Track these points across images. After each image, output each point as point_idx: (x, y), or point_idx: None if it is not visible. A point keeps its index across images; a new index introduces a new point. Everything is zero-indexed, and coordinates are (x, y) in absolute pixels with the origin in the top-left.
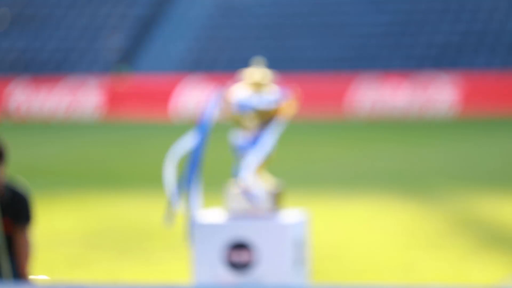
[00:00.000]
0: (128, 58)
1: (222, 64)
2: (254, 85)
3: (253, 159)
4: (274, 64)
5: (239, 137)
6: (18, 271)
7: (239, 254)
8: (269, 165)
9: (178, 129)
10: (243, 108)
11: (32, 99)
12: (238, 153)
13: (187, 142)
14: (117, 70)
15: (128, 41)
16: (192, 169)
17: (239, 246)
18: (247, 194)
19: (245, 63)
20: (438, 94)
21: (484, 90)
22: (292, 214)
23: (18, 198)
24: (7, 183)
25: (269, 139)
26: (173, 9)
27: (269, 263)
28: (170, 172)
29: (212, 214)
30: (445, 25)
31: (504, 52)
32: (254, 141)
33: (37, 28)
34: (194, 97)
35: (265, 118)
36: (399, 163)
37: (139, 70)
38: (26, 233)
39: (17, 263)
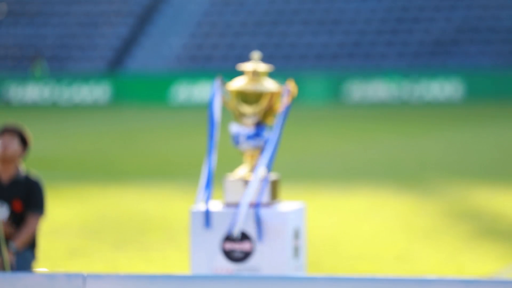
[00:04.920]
0: (124, 53)
1: (217, 60)
2: (250, 79)
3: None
4: (270, 59)
5: (237, 128)
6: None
7: (237, 244)
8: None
9: (177, 121)
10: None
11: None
12: (237, 144)
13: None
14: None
15: (124, 36)
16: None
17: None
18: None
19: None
20: None
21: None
22: (289, 205)
23: (31, 185)
24: (23, 171)
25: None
26: (169, 5)
27: (267, 253)
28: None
29: (210, 204)
30: (440, 21)
31: (498, 47)
32: (252, 132)
33: (33, 23)
34: (191, 91)
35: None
36: (395, 155)
37: (135, 65)
38: (34, 221)
39: (15, 238)
